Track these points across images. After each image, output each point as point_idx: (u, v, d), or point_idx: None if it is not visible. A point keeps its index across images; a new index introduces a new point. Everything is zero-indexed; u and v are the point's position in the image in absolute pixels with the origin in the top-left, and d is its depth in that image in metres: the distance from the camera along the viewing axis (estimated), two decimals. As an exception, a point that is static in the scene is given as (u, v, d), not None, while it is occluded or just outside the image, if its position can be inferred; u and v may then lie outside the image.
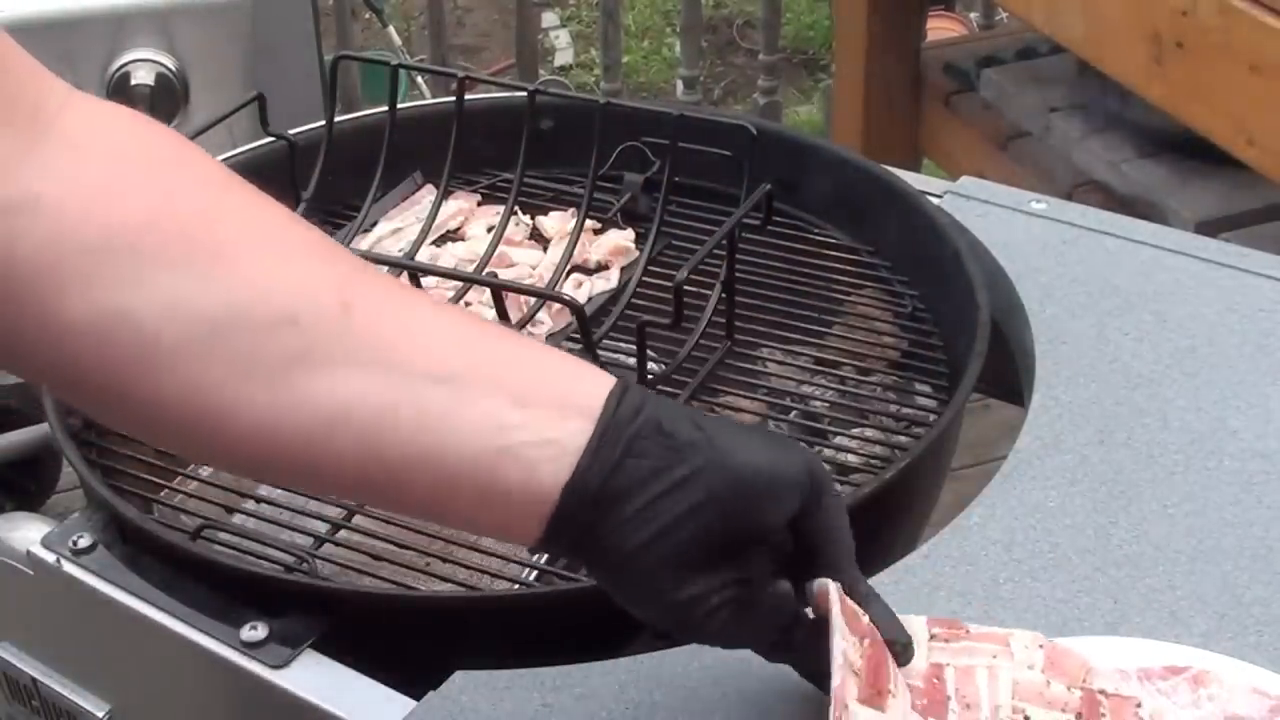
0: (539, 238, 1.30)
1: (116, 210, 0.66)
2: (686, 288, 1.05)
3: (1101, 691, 0.79)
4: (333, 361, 0.67)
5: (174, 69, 1.63)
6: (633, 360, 1.07)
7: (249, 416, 0.67)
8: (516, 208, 1.29)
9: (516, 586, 0.97)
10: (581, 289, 1.22)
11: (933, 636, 0.80)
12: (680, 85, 3.45)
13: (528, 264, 1.26)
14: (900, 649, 0.76)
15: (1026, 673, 0.79)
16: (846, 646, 0.73)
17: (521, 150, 1.28)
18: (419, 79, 3.22)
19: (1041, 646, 0.80)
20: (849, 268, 1.25)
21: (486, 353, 0.71)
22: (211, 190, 0.70)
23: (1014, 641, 0.80)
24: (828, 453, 1.09)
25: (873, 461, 1.06)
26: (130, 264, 0.66)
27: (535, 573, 0.98)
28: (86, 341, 0.66)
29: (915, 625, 0.80)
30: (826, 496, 0.73)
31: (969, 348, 1.06)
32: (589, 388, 0.70)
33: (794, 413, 1.13)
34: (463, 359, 0.69)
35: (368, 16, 3.77)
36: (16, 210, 0.65)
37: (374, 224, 1.30)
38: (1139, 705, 0.79)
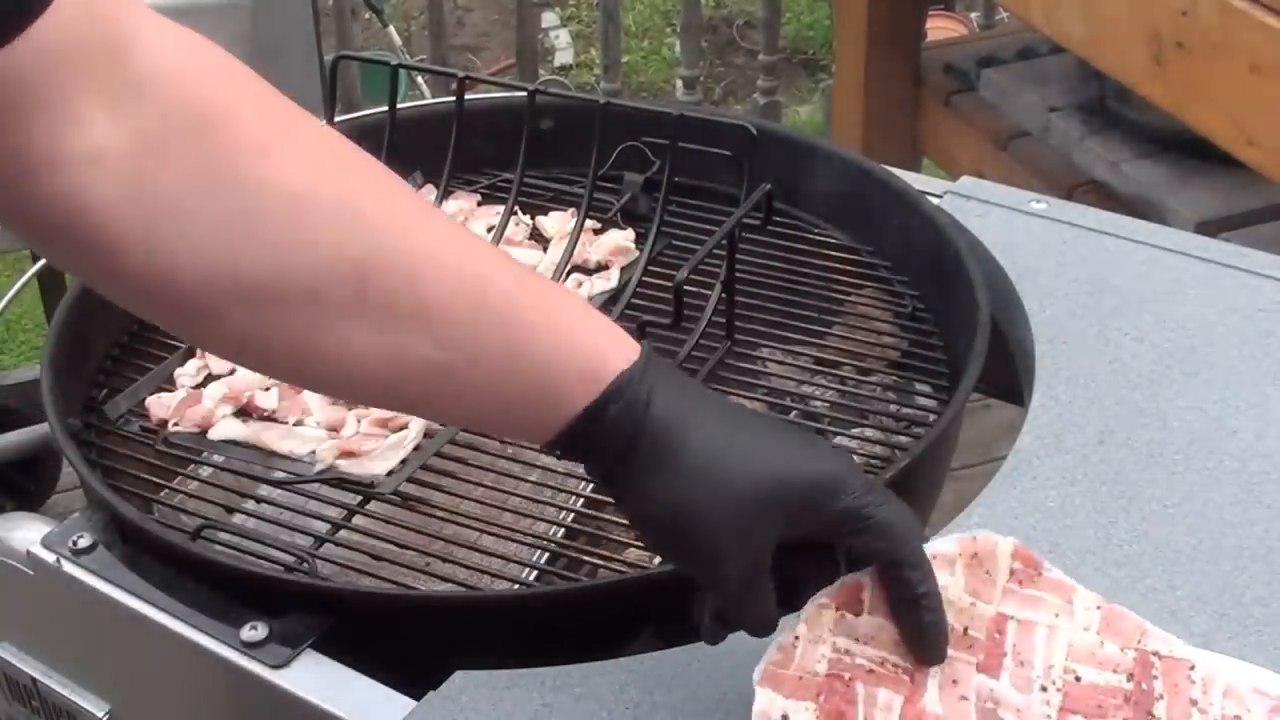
0: (539, 238, 1.30)
1: (166, 170, 0.70)
2: (686, 288, 1.05)
3: (1155, 653, 0.80)
4: (347, 332, 0.73)
5: (174, 69, 1.62)
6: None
7: (291, 371, 0.80)
8: (516, 208, 1.29)
9: (516, 586, 0.97)
10: (581, 289, 1.22)
11: (1012, 572, 0.81)
12: (680, 85, 3.45)
13: (528, 264, 1.26)
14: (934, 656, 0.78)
15: (1082, 634, 0.81)
16: (782, 706, 0.75)
17: (521, 150, 1.28)
18: (419, 79, 3.22)
19: (1099, 608, 0.82)
20: (849, 268, 1.25)
21: (498, 335, 0.74)
22: (255, 151, 0.72)
23: (1076, 599, 0.82)
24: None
25: (873, 461, 1.06)
26: (177, 227, 0.70)
27: (535, 573, 0.98)
28: (147, 293, 0.73)
29: (1001, 549, 0.81)
30: (845, 497, 0.74)
31: (969, 348, 1.06)
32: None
33: (794, 413, 1.13)
34: (462, 349, 0.73)
35: (368, 16, 3.77)
36: (84, 164, 0.68)
37: (374, 224, 1.30)
38: (1192, 668, 0.80)
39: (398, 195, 0.76)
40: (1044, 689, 0.78)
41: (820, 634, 0.77)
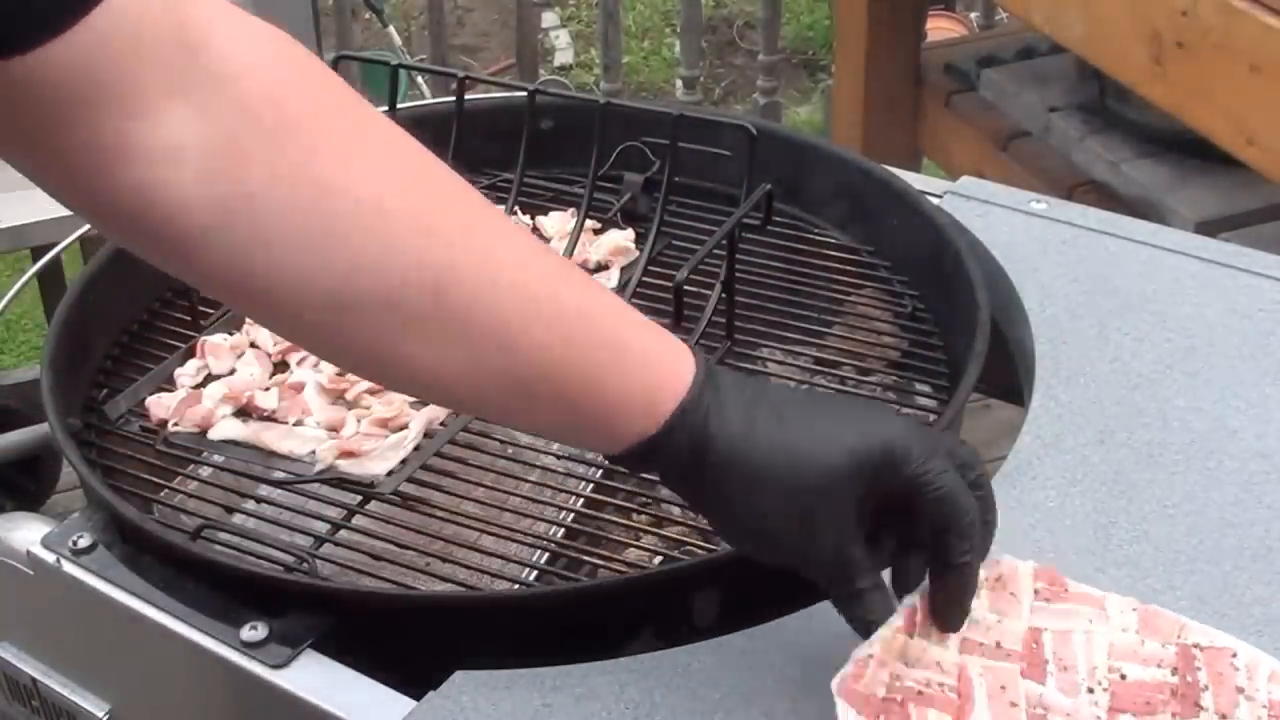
0: (539, 238, 1.30)
1: (245, 170, 0.69)
2: (686, 288, 1.05)
3: (1196, 645, 0.81)
4: (422, 342, 0.73)
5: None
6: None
7: (367, 374, 0.85)
8: (516, 208, 1.29)
9: (516, 586, 0.97)
10: (581, 289, 1.22)
11: (1036, 592, 0.82)
12: (680, 85, 3.45)
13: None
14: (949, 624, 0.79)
15: (1121, 635, 0.81)
16: None
17: (521, 150, 1.28)
18: (419, 79, 3.22)
19: (1135, 610, 0.83)
20: (849, 268, 1.25)
21: (566, 354, 0.75)
22: (336, 155, 0.72)
23: (1109, 604, 0.83)
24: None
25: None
26: (255, 227, 0.70)
27: (535, 573, 0.98)
28: (226, 289, 0.74)
29: (1023, 571, 0.82)
30: (911, 464, 0.76)
31: (969, 348, 1.06)
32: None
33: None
34: (533, 364, 0.74)
35: (368, 16, 3.78)
36: (158, 159, 0.68)
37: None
38: (1234, 655, 0.81)
39: (475, 207, 0.76)
40: (1090, 690, 0.79)
41: (888, 657, 0.78)
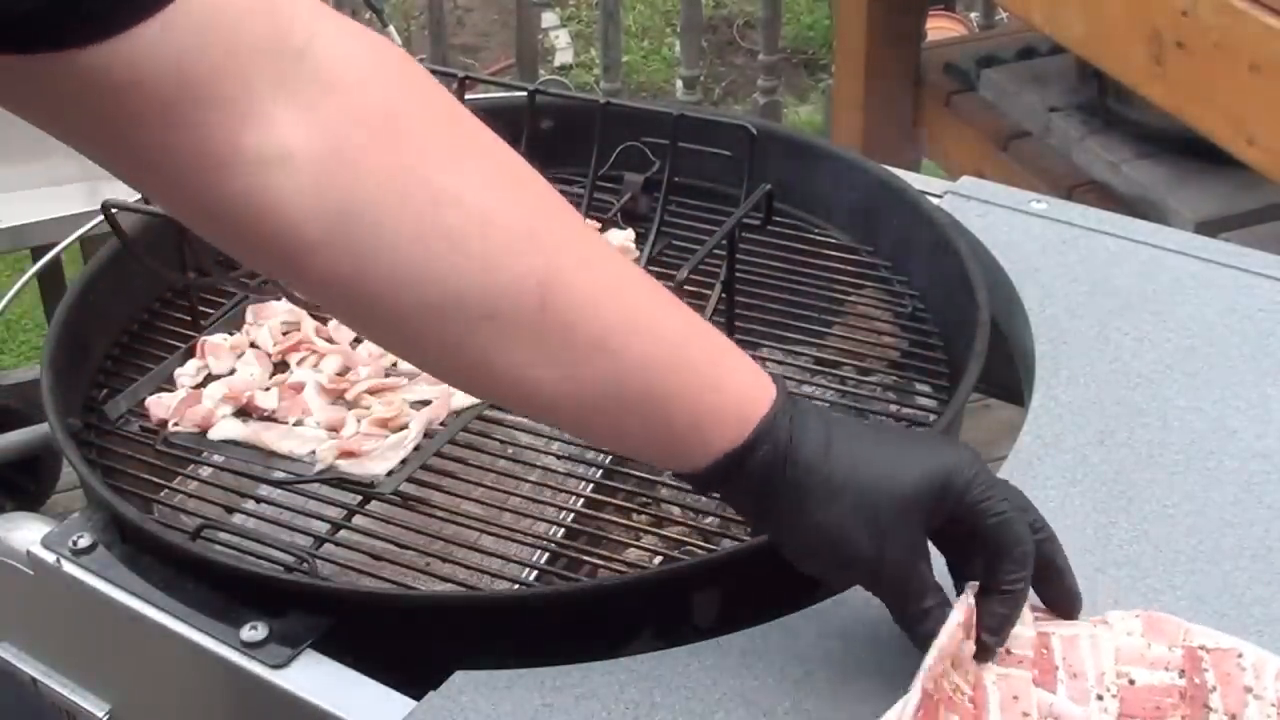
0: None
1: (359, 176, 0.69)
2: (686, 288, 1.05)
3: (1201, 647, 0.81)
4: (523, 352, 0.74)
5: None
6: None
7: (464, 385, 0.83)
8: (516, 208, 1.29)
9: (516, 586, 0.97)
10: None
11: (1037, 617, 0.83)
12: (680, 85, 3.44)
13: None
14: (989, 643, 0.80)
15: (1126, 639, 0.82)
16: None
17: (521, 150, 1.27)
18: (419, 79, 3.21)
19: (1138, 615, 0.83)
20: (849, 268, 1.25)
21: (670, 359, 0.76)
22: (447, 163, 0.72)
23: (1111, 616, 0.83)
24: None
25: (873, 461, 1.05)
26: (367, 234, 0.70)
27: (535, 573, 0.98)
28: (331, 293, 0.74)
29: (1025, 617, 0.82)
30: (974, 490, 0.78)
31: (969, 348, 1.06)
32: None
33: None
34: (629, 378, 0.75)
35: (368, 16, 3.77)
36: (270, 164, 0.67)
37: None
38: (1240, 655, 0.81)
39: (575, 223, 0.78)
40: (1100, 697, 0.79)
41: (954, 651, 0.78)
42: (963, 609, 0.78)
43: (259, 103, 0.66)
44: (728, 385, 0.78)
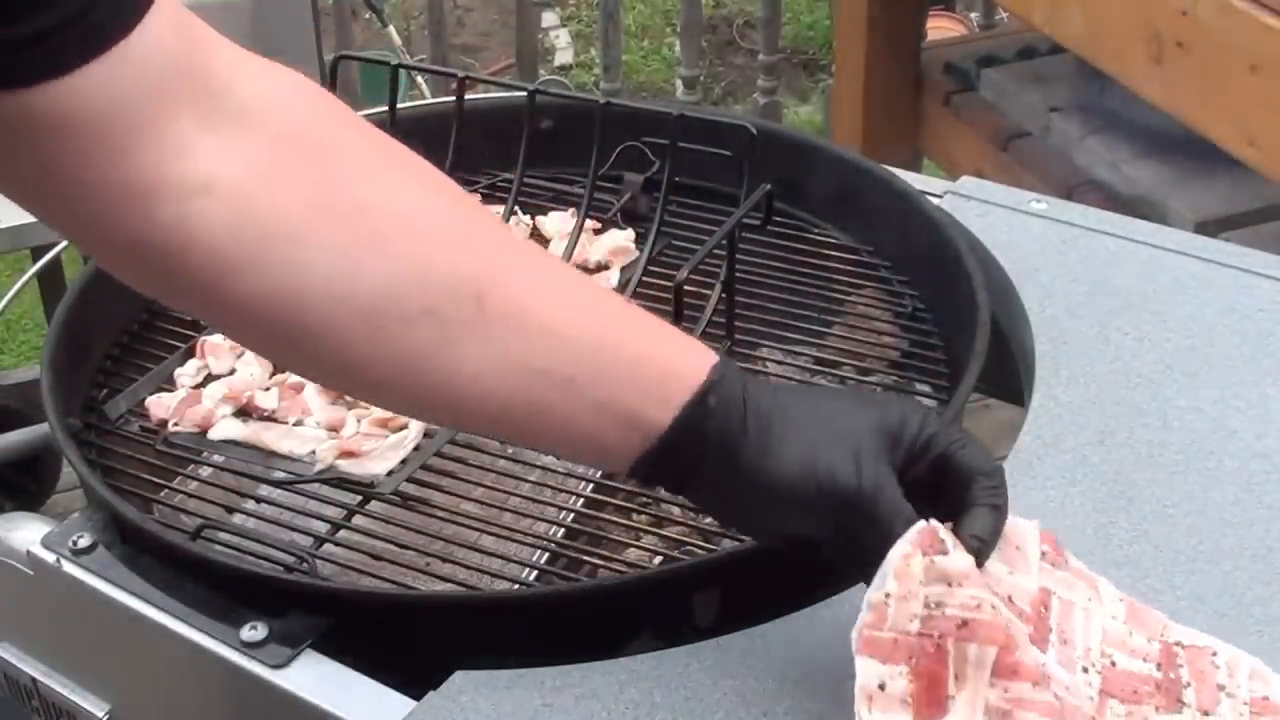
0: (539, 238, 1.30)
1: (281, 196, 0.72)
2: (686, 288, 1.05)
3: (1178, 643, 0.82)
4: (465, 348, 0.75)
5: (174, 69, 1.62)
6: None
7: (398, 390, 0.78)
8: (516, 208, 1.29)
9: (516, 586, 0.97)
10: (581, 289, 1.22)
11: (1043, 554, 0.82)
12: (680, 85, 3.45)
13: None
14: (977, 550, 0.78)
15: (1112, 622, 0.82)
16: (880, 674, 0.74)
17: (521, 150, 1.28)
18: (419, 79, 3.22)
19: (1122, 600, 0.83)
20: (849, 268, 1.25)
21: (608, 352, 0.77)
22: (368, 176, 0.75)
23: (1101, 587, 0.83)
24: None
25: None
26: (295, 250, 0.72)
27: (535, 573, 0.98)
28: (256, 317, 0.74)
29: (1029, 534, 0.81)
30: (932, 424, 0.79)
31: (969, 348, 1.06)
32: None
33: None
34: (579, 361, 0.76)
35: (368, 16, 3.77)
36: (194, 193, 0.70)
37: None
38: (1214, 654, 0.81)
39: (502, 227, 0.81)
40: (1085, 670, 0.79)
41: (910, 587, 0.75)
42: (917, 530, 0.75)
43: (184, 136, 0.69)
44: (674, 350, 0.79)
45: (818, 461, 0.77)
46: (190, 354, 1.16)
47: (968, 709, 0.74)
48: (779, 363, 1.18)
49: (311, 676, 0.87)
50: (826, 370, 1.16)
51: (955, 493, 0.78)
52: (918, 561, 0.75)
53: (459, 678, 0.84)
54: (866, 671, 0.74)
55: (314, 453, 1.05)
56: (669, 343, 0.80)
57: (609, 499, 1.04)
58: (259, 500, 1.06)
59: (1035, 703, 0.75)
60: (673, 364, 0.78)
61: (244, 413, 1.09)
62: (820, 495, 0.77)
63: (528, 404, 0.77)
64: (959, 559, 0.75)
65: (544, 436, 0.82)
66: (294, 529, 1.02)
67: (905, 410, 0.79)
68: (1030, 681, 0.75)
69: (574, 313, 0.77)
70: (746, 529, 0.86)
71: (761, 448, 0.77)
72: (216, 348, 1.14)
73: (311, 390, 1.10)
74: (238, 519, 1.05)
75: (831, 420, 0.78)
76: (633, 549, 1.02)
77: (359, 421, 1.07)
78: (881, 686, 0.74)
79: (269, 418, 1.09)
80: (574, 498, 1.05)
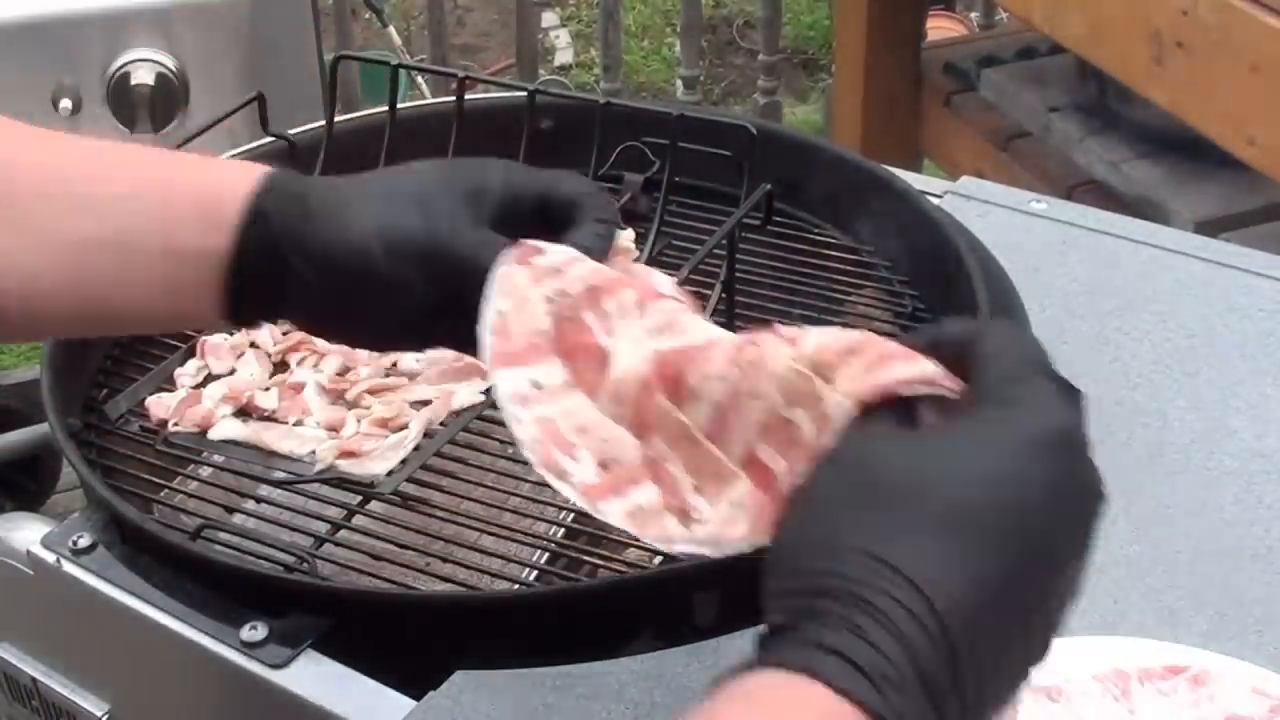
0: (539, 238, 1.30)
1: None
2: (686, 288, 1.05)
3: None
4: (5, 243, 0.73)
5: (174, 69, 1.63)
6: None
7: None
8: (516, 208, 1.29)
9: (516, 586, 0.97)
10: (581, 289, 1.22)
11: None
12: (680, 85, 3.45)
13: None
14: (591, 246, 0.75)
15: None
16: (528, 376, 0.69)
17: (521, 150, 1.28)
18: (419, 79, 3.22)
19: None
20: (849, 268, 1.25)
21: (145, 200, 0.75)
22: None
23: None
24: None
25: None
26: None
27: (535, 573, 0.98)
28: None
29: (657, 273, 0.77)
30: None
31: (969, 348, 1.06)
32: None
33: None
34: (116, 217, 0.74)
35: (368, 16, 3.77)
36: None
37: (374, 224, 1.30)
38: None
39: (43, 132, 0.78)
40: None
41: (523, 295, 0.70)
42: (508, 250, 0.71)
43: None
44: (218, 176, 0.76)
45: (381, 222, 0.73)
46: (190, 354, 1.15)
47: (629, 345, 0.69)
48: (779, 363, 1.17)
49: (311, 676, 0.87)
50: (826, 370, 1.16)
51: (561, 223, 0.76)
52: (520, 272, 0.70)
53: (459, 678, 0.84)
54: (510, 379, 0.69)
55: (314, 453, 1.05)
56: (209, 171, 0.77)
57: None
58: (259, 500, 1.06)
59: (684, 303, 0.72)
60: (221, 188, 0.75)
61: (244, 413, 1.09)
62: (389, 254, 0.73)
63: (78, 281, 0.74)
64: (559, 250, 0.72)
65: (118, 313, 0.78)
66: (294, 529, 1.02)
67: (486, 164, 0.77)
68: (675, 298, 0.72)
69: (101, 171, 0.75)
70: (357, 334, 0.80)
71: (332, 231, 0.74)
72: (217, 348, 1.14)
73: (311, 390, 1.10)
74: (238, 519, 1.05)
75: (400, 187, 0.75)
76: (633, 549, 1.02)
77: (359, 421, 1.07)
78: (538, 386, 0.69)
79: (269, 418, 1.09)
80: (574, 498, 1.05)
